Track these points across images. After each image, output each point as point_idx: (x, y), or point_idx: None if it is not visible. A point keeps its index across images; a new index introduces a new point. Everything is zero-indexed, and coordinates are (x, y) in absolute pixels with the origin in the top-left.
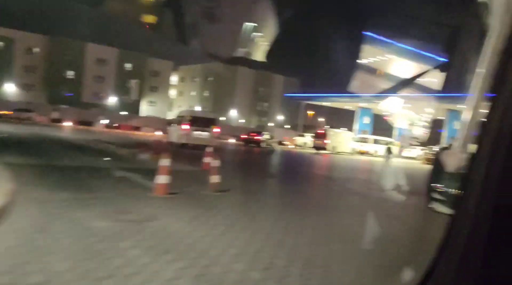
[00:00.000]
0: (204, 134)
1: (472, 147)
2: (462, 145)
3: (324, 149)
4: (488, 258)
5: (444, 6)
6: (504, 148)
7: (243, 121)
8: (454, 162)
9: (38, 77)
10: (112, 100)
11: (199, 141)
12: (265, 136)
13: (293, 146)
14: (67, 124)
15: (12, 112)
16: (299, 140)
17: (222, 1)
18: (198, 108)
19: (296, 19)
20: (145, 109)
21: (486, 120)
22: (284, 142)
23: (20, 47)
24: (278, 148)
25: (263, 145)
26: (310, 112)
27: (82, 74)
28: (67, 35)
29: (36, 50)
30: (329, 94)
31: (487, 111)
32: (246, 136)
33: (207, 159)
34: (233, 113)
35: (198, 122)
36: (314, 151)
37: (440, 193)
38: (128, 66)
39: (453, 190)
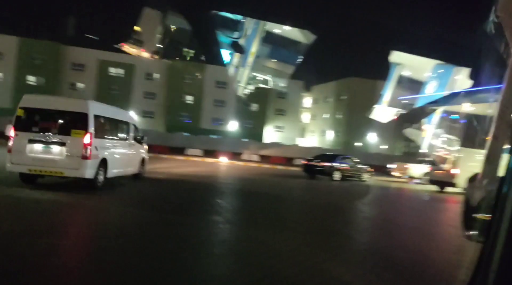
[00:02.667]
0: (56, 148)
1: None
2: (487, 171)
3: (452, 184)
4: None
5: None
6: None
7: (386, 147)
8: (476, 195)
9: (158, 104)
10: (233, 125)
11: (46, 165)
12: (346, 162)
13: (405, 179)
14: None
15: None
16: (415, 169)
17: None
18: (328, 134)
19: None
20: (271, 135)
21: None
22: (393, 173)
23: (140, 73)
24: (373, 182)
25: (336, 176)
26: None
27: (201, 98)
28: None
29: (156, 75)
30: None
31: None
32: (307, 162)
33: None
34: (372, 137)
35: (44, 121)
36: (433, 188)
37: (475, 220)
38: (250, 88)
39: (485, 217)
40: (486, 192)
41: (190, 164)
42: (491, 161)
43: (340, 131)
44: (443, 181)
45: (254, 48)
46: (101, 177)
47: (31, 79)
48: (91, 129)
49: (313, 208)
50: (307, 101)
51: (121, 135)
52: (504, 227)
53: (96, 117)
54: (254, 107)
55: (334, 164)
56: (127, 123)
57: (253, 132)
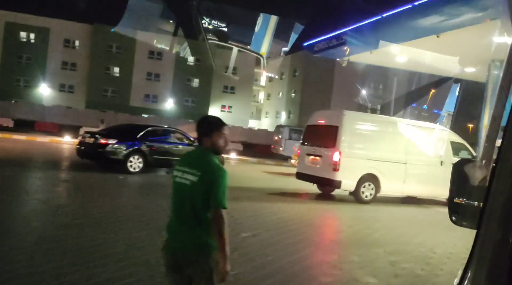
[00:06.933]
0: None
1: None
2: (486, 151)
3: (332, 183)
4: None
5: None
6: None
7: None
8: (477, 174)
9: (80, 76)
10: (169, 103)
11: None
12: (163, 141)
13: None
14: None
15: None
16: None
17: None
18: (282, 115)
19: None
20: (218, 116)
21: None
22: (292, 161)
23: (58, 38)
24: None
25: (135, 165)
26: None
27: (131, 71)
28: (113, 23)
29: (76, 42)
30: None
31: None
32: (83, 140)
33: None
34: None
35: None
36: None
37: (462, 206)
38: (191, 59)
39: (475, 203)
40: (486, 172)
41: None
42: (490, 141)
43: (294, 113)
44: (318, 177)
45: None
46: None
47: None
48: None
49: None
50: (263, 78)
51: None
52: (496, 215)
53: None
54: (196, 82)
55: (125, 144)
56: None
57: (195, 112)
